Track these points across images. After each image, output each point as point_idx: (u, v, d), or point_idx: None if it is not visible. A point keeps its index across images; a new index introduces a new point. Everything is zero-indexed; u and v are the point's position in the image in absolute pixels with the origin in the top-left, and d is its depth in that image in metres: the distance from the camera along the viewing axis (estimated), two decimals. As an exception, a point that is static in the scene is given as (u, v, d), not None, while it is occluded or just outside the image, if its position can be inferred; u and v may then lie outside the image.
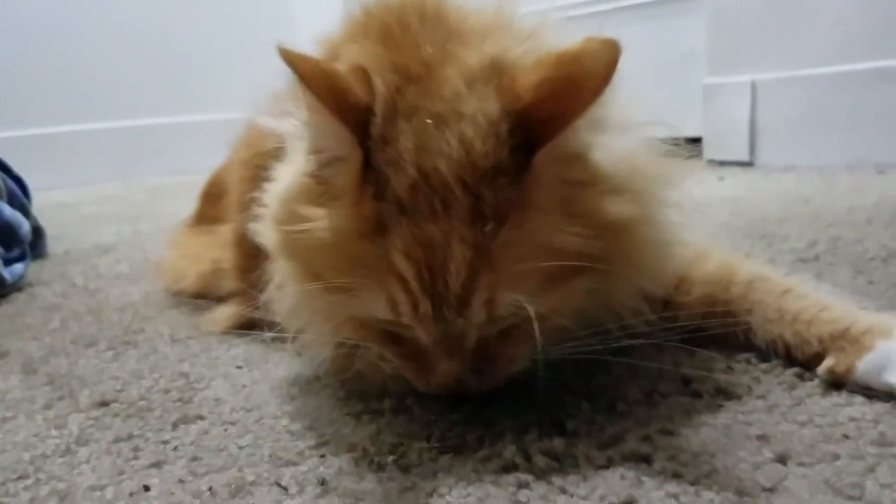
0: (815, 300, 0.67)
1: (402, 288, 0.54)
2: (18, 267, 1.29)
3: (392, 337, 0.60)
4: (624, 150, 0.60)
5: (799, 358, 0.66)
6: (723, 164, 2.05)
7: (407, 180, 0.53)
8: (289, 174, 0.62)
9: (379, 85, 0.56)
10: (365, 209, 0.54)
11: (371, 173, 0.55)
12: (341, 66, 0.58)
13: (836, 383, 0.62)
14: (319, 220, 0.56)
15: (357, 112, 0.55)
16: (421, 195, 0.53)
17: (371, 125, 0.55)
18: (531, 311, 0.53)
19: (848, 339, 0.63)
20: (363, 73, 0.56)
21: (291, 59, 0.52)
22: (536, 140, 0.54)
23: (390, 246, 0.53)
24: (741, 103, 1.98)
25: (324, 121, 0.55)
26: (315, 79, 0.53)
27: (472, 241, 0.52)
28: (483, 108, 0.55)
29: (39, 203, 1.61)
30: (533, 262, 0.53)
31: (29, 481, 0.59)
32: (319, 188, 0.58)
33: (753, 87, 1.96)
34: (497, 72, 0.57)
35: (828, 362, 0.62)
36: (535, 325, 0.54)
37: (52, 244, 1.60)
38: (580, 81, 0.52)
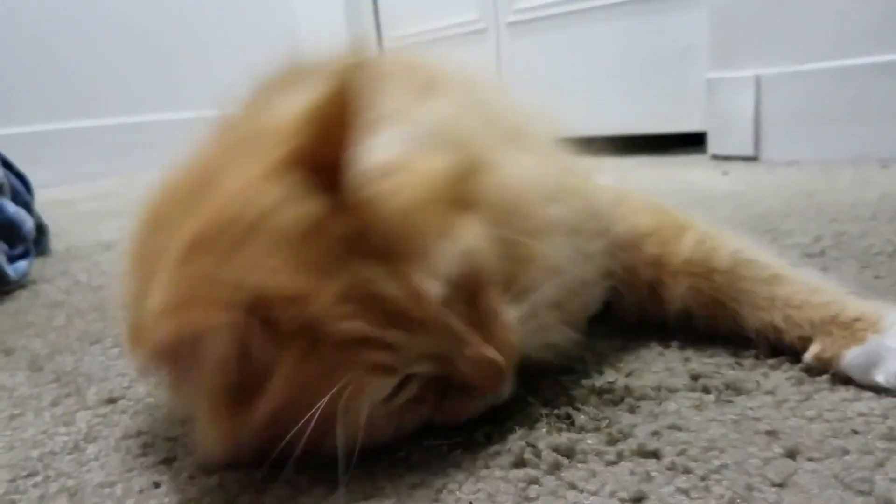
0: (803, 284, 0.67)
1: (369, 350, 0.50)
2: (22, 264, 1.29)
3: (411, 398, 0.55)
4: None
5: (788, 342, 0.66)
6: (727, 158, 2.05)
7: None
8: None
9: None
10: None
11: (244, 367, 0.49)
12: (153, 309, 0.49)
13: (822, 369, 0.62)
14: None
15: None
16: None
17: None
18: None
19: (837, 325, 0.63)
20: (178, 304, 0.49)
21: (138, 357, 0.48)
22: (333, 184, 0.50)
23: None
24: (745, 98, 1.98)
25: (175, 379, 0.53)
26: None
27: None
28: (278, 211, 0.49)
29: (38, 200, 1.61)
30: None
31: (38, 478, 0.59)
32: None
33: (757, 81, 1.96)
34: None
35: (815, 347, 0.63)
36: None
37: (53, 241, 1.60)
38: (338, 127, 0.48)
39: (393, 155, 0.54)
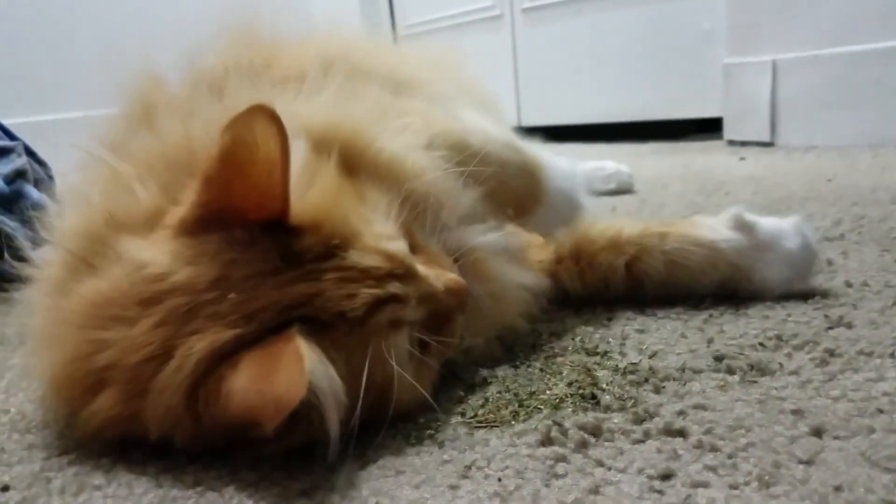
0: None
1: (381, 311, 0.54)
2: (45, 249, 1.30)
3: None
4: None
5: None
6: (744, 144, 2.05)
7: None
8: None
9: None
10: None
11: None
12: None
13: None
14: None
15: None
16: None
17: None
18: None
19: None
20: None
21: None
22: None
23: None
24: (762, 83, 1.97)
25: None
26: None
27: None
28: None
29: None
30: None
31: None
32: None
33: (774, 66, 1.95)
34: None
35: None
36: None
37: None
38: (251, 181, 0.51)
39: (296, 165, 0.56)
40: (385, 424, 0.56)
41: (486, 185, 0.74)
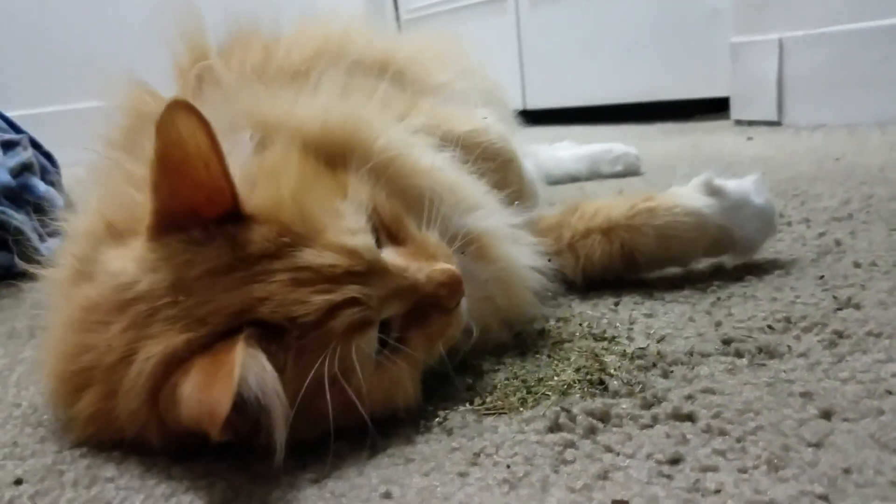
0: None
1: (339, 315, 0.52)
2: (53, 242, 1.31)
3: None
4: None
5: None
6: (751, 123, 2.03)
7: None
8: None
9: None
10: None
11: None
12: None
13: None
14: None
15: None
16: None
17: None
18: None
19: None
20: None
21: None
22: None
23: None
24: (769, 62, 1.95)
25: None
26: None
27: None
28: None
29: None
30: None
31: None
32: None
33: (781, 45, 1.93)
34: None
35: None
36: None
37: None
38: (191, 171, 0.51)
39: (249, 155, 0.57)
40: (368, 425, 0.55)
41: (489, 177, 0.76)
